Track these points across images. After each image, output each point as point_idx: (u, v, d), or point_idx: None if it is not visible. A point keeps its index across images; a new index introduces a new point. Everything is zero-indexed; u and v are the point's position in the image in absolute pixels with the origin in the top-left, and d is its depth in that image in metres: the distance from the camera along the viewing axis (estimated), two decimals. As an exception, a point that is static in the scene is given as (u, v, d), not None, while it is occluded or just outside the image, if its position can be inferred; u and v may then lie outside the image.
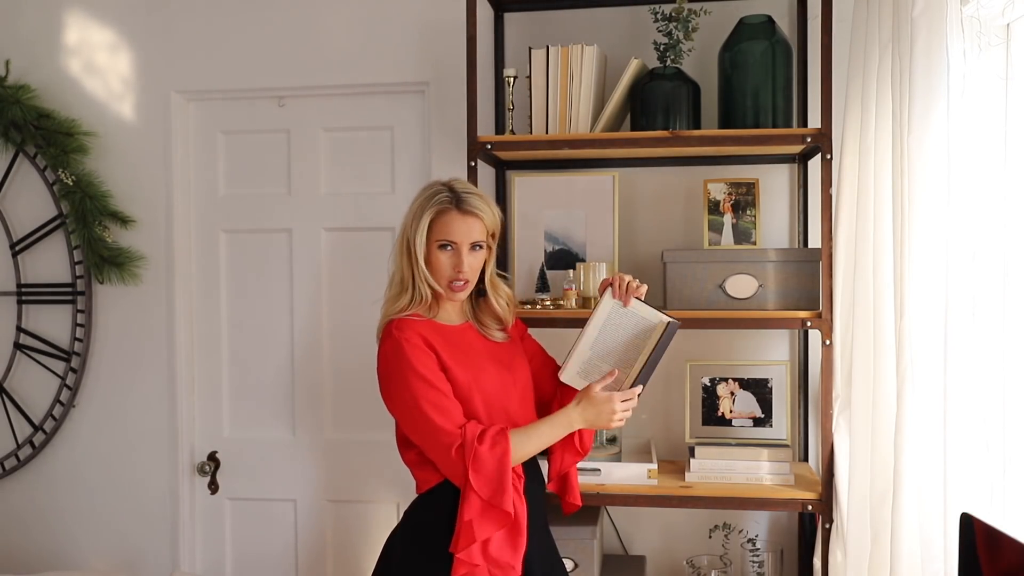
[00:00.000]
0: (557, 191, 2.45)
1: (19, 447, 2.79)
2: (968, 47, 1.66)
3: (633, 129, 2.32)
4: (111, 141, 2.73)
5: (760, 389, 2.31)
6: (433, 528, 1.82)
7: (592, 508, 2.36)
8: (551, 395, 2.05)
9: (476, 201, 1.89)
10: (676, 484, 2.22)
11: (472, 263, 1.89)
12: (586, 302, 2.30)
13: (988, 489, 1.64)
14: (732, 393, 2.32)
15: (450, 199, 1.87)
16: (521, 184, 2.46)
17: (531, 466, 1.93)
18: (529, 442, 1.82)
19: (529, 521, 1.84)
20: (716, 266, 2.21)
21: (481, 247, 1.91)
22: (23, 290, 2.78)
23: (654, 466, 2.22)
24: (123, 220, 2.71)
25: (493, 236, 1.94)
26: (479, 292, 1.99)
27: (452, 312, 1.96)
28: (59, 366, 2.77)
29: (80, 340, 2.74)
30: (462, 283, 1.89)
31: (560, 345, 2.05)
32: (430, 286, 1.89)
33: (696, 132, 2.19)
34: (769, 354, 2.46)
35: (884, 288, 1.92)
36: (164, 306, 2.72)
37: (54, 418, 2.77)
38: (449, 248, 1.87)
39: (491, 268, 1.97)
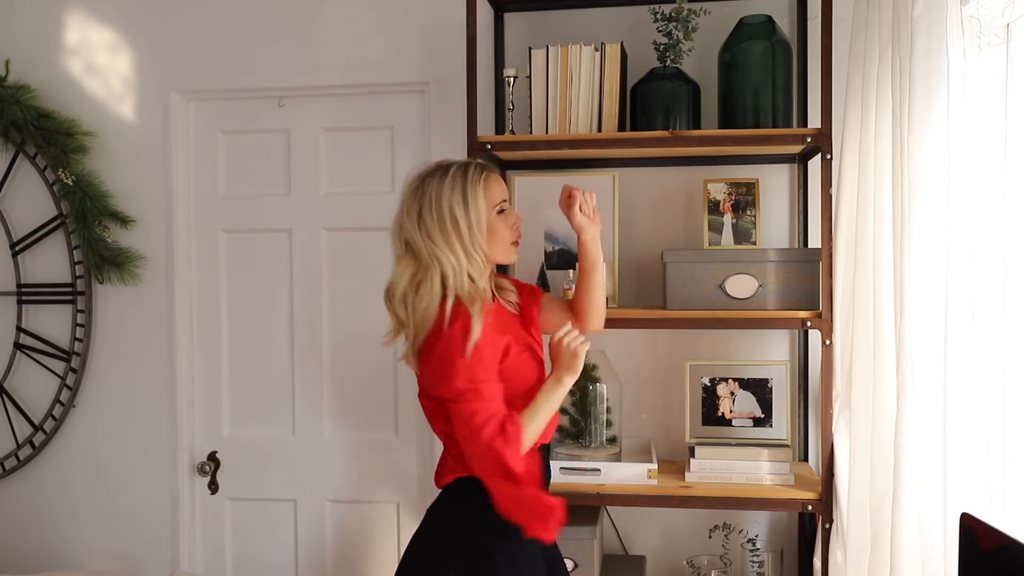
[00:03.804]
0: (557, 191, 2.44)
1: (19, 447, 2.79)
2: (968, 47, 1.66)
3: (633, 129, 2.32)
4: (111, 141, 2.73)
5: (760, 389, 2.31)
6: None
7: (592, 508, 2.36)
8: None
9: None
10: (676, 484, 2.22)
11: None
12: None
13: (988, 489, 1.64)
14: (732, 393, 2.32)
15: (478, 166, 1.88)
16: (521, 184, 2.46)
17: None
18: (536, 420, 1.83)
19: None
20: (716, 266, 2.21)
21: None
22: (23, 290, 2.78)
23: (654, 466, 2.22)
24: (123, 220, 2.71)
25: None
26: None
27: (488, 287, 1.90)
28: (59, 366, 2.77)
29: (80, 340, 2.74)
30: (518, 240, 1.93)
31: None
32: (487, 257, 1.86)
33: (696, 132, 2.20)
34: (769, 354, 2.46)
35: (884, 288, 1.92)
36: (164, 306, 2.72)
37: (54, 418, 2.77)
38: (503, 211, 1.89)
39: None
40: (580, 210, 1.90)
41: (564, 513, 1.72)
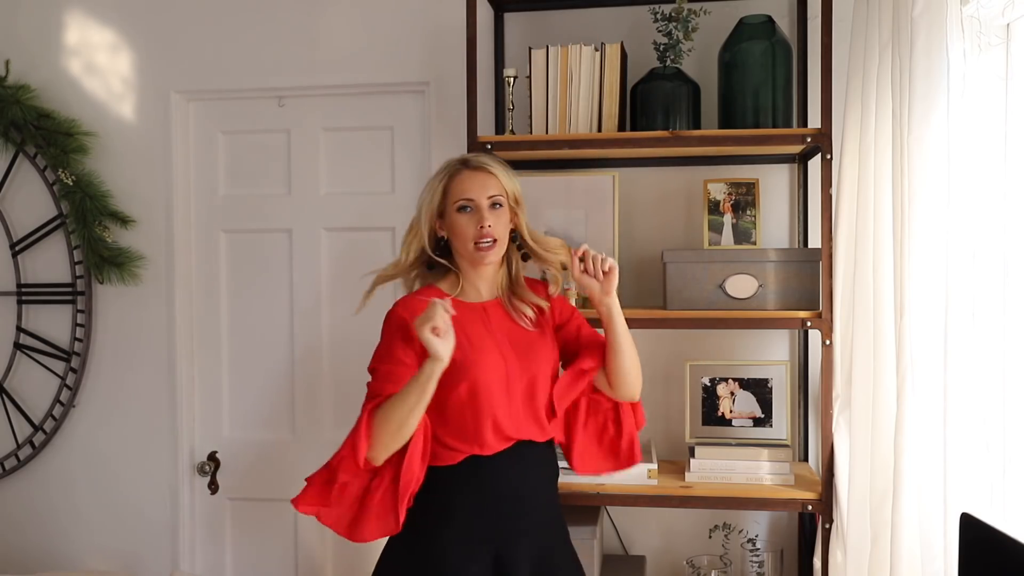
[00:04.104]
0: (557, 191, 2.45)
1: (19, 447, 2.79)
2: (968, 47, 1.66)
3: (633, 129, 2.32)
4: (111, 141, 2.73)
5: (760, 389, 2.31)
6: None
7: (592, 508, 2.36)
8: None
9: (485, 158, 1.90)
10: (676, 484, 2.22)
11: (494, 220, 1.84)
12: (586, 302, 2.29)
13: (988, 489, 1.64)
14: (732, 393, 2.32)
15: (458, 162, 1.89)
16: (521, 184, 2.45)
17: (540, 456, 1.89)
18: (391, 409, 1.75)
19: (526, 513, 1.85)
20: (716, 266, 2.21)
21: (501, 205, 1.86)
22: (23, 290, 2.78)
23: (654, 466, 2.22)
24: (123, 220, 2.71)
25: (517, 203, 1.91)
26: (521, 258, 1.95)
27: (483, 287, 1.92)
28: (59, 366, 2.77)
29: (80, 340, 2.74)
30: (489, 242, 1.83)
31: (560, 345, 2.04)
32: (435, 256, 1.88)
33: (696, 132, 2.20)
34: (769, 354, 2.46)
35: (884, 288, 1.92)
36: (164, 306, 2.72)
37: (54, 418, 2.77)
38: (469, 209, 1.84)
39: (526, 230, 1.93)
40: (584, 270, 1.83)
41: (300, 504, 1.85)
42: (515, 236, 1.93)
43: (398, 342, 1.82)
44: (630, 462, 1.99)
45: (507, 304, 1.93)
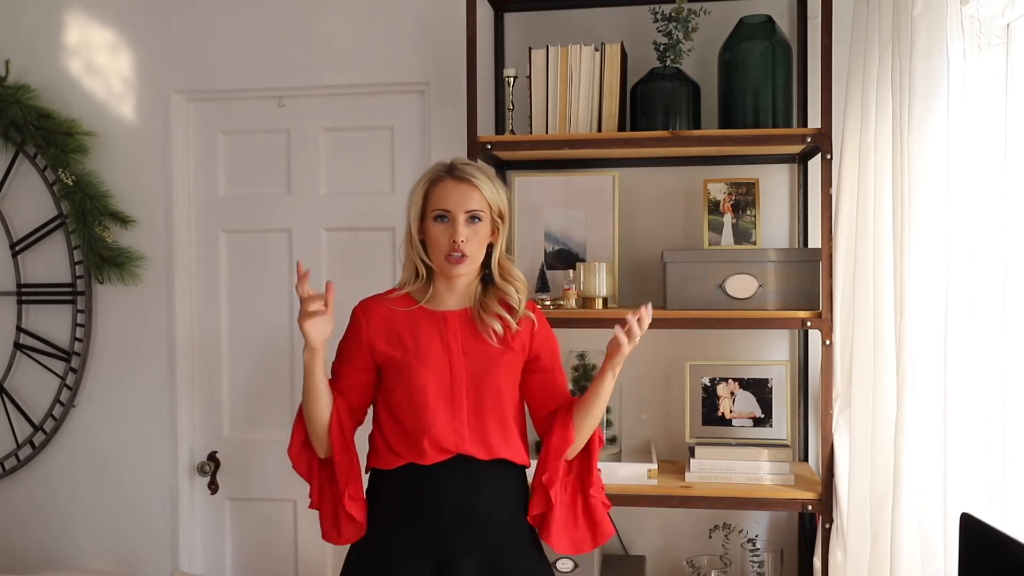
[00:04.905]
0: (557, 191, 2.45)
1: (19, 447, 2.79)
2: (968, 47, 1.66)
3: (633, 129, 2.32)
4: (111, 141, 2.73)
5: (760, 389, 2.31)
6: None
7: (592, 508, 2.36)
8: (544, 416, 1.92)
9: (471, 169, 1.83)
10: (676, 484, 2.22)
11: (470, 235, 1.79)
12: (586, 302, 2.29)
13: (988, 489, 1.64)
14: (732, 393, 2.32)
15: (444, 168, 1.85)
16: (521, 184, 2.46)
17: (489, 475, 1.82)
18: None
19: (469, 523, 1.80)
20: (716, 266, 2.21)
21: (480, 219, 1.81)
22: (23, 290, 2.78)
23: (654, 466, 2.22)
24: (123, 220, 2.71)
25: (501, 217, 1.85)
26: (490, 279, 1.89)
27: (450, 297, 1.87)
28: (59, 366, 2.77)
29: (80, 340, 2.74)
30: (459, 256, 1.78)
31: (561, 345, 2.03)
32: (423, 262, 1.85)
33: (696, 132, 2.20)
34: (769, 354, 2.46)
35: (884, 288, 1.92)
36: (164, 306, 2.72)
37: (54, 418, 2.77)
38: (445, 219, 1.80)
39: (498, 250, 1.87)
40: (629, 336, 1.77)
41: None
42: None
43: (348, 340, 1.91)
44: (606, 536, 1.89)
45: (476, 316, 1.86)
